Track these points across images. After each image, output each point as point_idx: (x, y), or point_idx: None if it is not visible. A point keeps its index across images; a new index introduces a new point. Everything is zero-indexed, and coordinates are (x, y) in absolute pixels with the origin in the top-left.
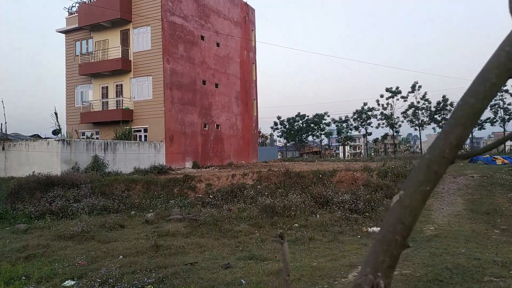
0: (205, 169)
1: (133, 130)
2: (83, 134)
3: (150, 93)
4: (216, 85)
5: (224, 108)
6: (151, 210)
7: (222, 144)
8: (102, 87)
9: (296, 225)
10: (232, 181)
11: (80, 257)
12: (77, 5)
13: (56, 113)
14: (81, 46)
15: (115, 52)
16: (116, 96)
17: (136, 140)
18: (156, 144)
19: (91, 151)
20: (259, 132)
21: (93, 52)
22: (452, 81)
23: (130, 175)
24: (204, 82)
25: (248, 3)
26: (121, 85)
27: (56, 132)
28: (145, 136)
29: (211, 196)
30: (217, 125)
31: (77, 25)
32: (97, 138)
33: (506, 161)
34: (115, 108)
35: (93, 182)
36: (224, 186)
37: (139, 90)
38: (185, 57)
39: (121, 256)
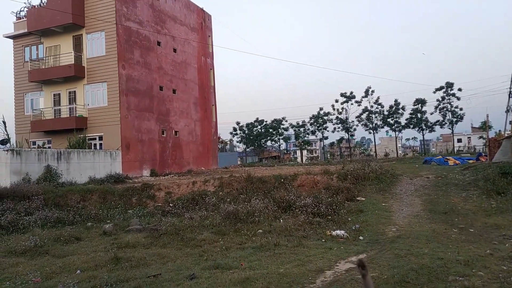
0: (163, 177)
1: (87, 138)
2: (34, 143)
3: (105, 99)
4: (174, 91)
5: (182, 114)
6: (109, 221)
7: (181, 150)
8: (54, 94)
9: (260, 231)
10: (192, 188)
11: (34, 274)
12: (25, 9)
13: (4, 122)
14: (30, 52)
15: (67, 58)
16: (69, 103)
17: (91, 148)
18: (112, 153)
19: (43, 161)
20: (219, 137)
21: (44, 58)
22: (402, 85)
23: (86, 185)
24: (161, 88)
25: (204, 9)
26: (75, 92)
27: (4, 141)
28: (101, 144)
29: (171, 205)
30: (176, 132)
31: (26, 30)
32: (49, 147)
33: (457, 161)
34: (68, 115)
35: (46, 194)
36: (184, 194)
37: (94, 97)
38: (141, 63)
39: (78, 271)
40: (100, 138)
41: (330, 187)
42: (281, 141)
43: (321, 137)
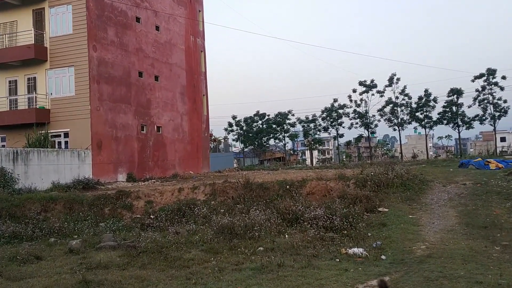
0: (143, 183)
1: (50, 135)
2: None
3: (72, 88)
4: (156, 78)
5: (166, 106)
6: (76, 236)
7: (164, 150)
8: (10, 81)
9: (261, 248)
10: (179, 196)
11: None
12: None
13: None
14: None
15: (26, 37)
16: (28, 92)
17: (55, 147)
18: (81, 153)
19: None
20: (211, 135)
21: None
22: (434, 72)
23: (48, 192)
24: (140, 74)
25: None
26: (35, 78)
27: None
28: (66, 142)
29: (152, 217)
30: (158, 127)
31: None
32: (3, 146)
33: (500, 165)
34: (26, 107)
35: None
36: (169, 203)
37: (58, 85)
38: (117, 44)
39: None
40: (66, 135)
41: (346, 196)
42: (287, 139)
43: (335, 134)
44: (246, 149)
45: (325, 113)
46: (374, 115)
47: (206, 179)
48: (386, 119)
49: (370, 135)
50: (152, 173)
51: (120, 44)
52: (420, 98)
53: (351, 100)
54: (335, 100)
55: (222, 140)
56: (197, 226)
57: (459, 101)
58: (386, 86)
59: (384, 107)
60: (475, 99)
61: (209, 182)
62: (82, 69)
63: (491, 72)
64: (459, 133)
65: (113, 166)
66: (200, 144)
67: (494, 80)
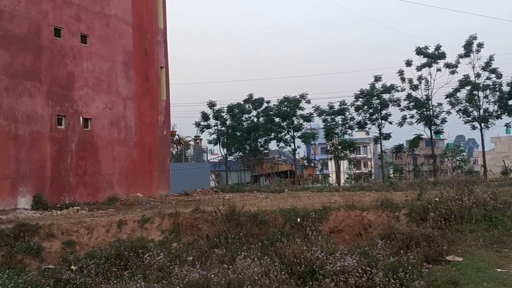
0: (60, 212)
1: None
2: None
3: None
4: (84, 39)
5: (100, 85)
6: None
7: (95, 158)
8: None
9: None
10: (118, 235)
11: None
12: None
13: None
14: None
15: None
16: None
17: None
18: None
19: None
20: (173, 133)
21: None
22: None
23: None
24: (58, 33)
25: None
26: None
27: None
28: None
29: (74, 267)
30: (86, 120)
31: None
32: None
33: None
34: None
35: None
36: (102, 245)
37: None
38: None
39: None
40: None
41: (394, 235)
42: (298, 141)
43: (376, 134)
44: (231, 157)
45: (360, 99)
46: (440, 104)
47: (165, 206)
48: (460, 110)
49: (433, 136)
50: (75, 195)
51: None
52: None
53: (403, 79)
54: (377, 79)
55: (192, 143)
56: (149, 284)
57: None
58: (460, 56)
59: (456, 90)
60: None
61: (169, 211)
62: None
63: None
64: None
65: (9, 183)
66: (154, 149)
67: None
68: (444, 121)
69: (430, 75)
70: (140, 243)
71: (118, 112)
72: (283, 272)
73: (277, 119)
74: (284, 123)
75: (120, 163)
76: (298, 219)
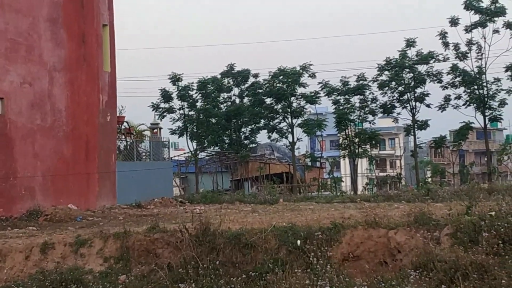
0: None
1: None
2: None
3: None
4: None
5: (15, 50)
6: None
7: (9, 154)
8: None
9: None
10: (42, 263)
11: None
12: None
13: None
14: None
15: None
16: None
17: None
18: None
19: None
20: (121, 119)
21: None
22: None
23: None
24: None
25: None
26: None
27: None
28: None
29: None
30: None
31: None
32: None
33: None
34: None
35: None
36: (19, 278)
37: None
38: None
39: None
40: None
41: (433, 264)
42: (298, 131)
43: (408, 121)
44: (203, 154)
45: (386, 72)
46: (498, 79)
47: (108, 223)
48: None
49: (488, 125)
50: None
51: None
52: None
53: (446, 44)
54: (410, 44)
55: (148, 133)
56: None
57: None
58: None
59: None
60: None
61: (115, 230)
62: None
63: None
64: None
65: None
66: (93, 142)
67: None
68: (503, 103)
69: (484, 38)
70: (74, 275)
71: (41, 90)
72: None
73: (268, 100)
74: (279, 106)
75: (44, 162)
76: (298, 242)
